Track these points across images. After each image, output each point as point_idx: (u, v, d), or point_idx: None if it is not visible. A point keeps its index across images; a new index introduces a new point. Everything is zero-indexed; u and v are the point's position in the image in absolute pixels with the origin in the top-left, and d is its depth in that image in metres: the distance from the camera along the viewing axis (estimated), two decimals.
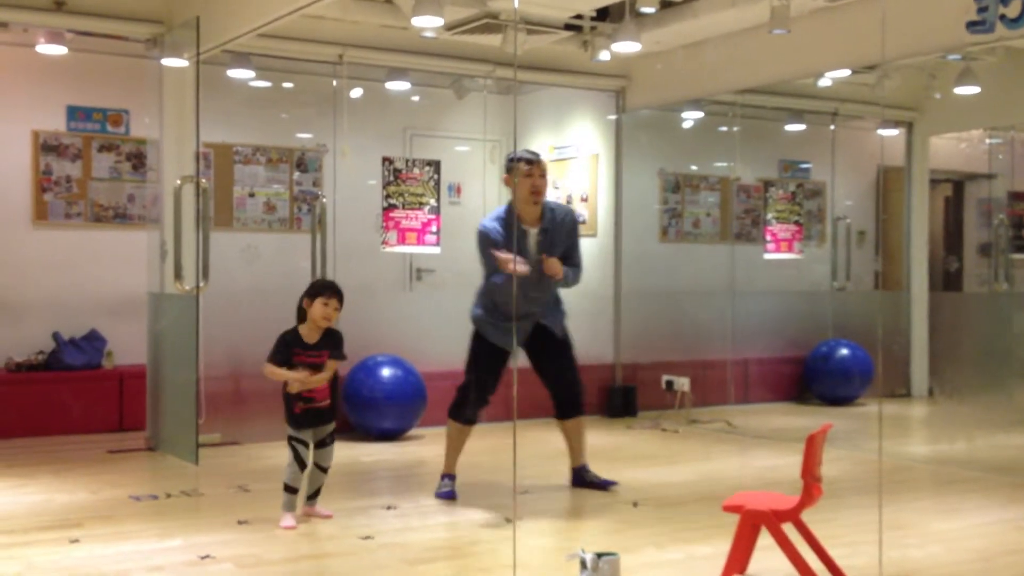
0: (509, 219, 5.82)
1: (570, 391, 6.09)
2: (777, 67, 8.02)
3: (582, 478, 6.12)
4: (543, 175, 5.84)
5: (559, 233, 5.87)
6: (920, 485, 6.38)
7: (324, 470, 5.30)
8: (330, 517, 5.29)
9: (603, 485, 6.06)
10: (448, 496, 5.80)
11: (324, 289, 5.22)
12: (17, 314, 8.04)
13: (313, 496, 5.32)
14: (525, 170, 5.77)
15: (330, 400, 5.30)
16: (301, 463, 5.16)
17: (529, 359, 6.06)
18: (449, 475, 5.95)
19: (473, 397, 5.91)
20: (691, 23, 7.76)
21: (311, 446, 5.24)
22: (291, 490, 5.16)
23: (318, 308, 5.16)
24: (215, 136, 8.39)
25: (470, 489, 6.03)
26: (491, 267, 5.78)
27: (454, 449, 5.98)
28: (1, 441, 7.19)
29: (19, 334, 8.01)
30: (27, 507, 5.53)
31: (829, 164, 10.23)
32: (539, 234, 5.84)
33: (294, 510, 5.15)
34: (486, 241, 5.78)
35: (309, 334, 5.19)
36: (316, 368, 5.17)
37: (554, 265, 5.73)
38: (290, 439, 5.18)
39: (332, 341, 5.25)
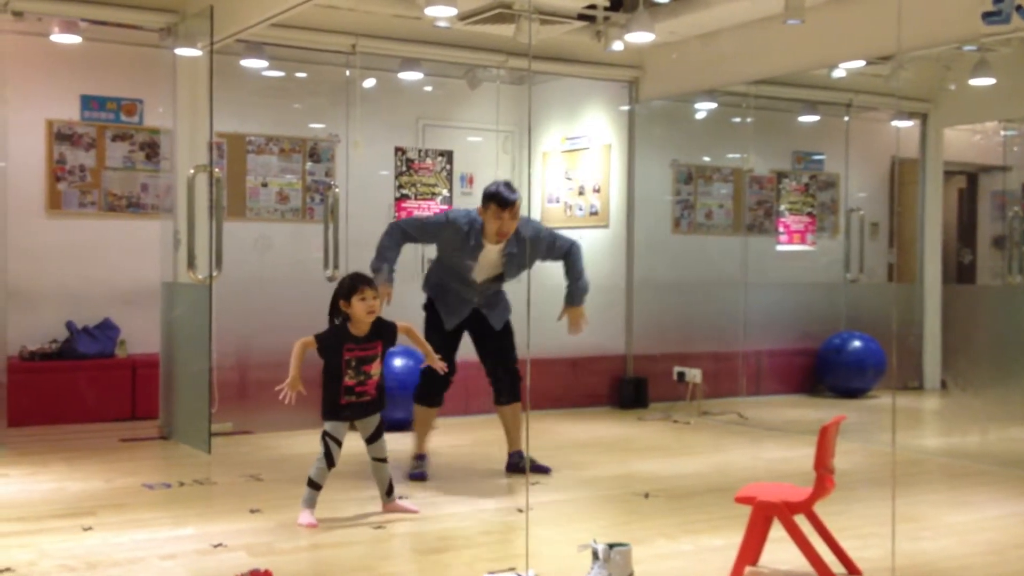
0: (475, 231, 5.94)
1: (507, 379, 6.23)
2: (791, 58, 7.99)
3: (516, 464, 6.28)
4: (514, 217, 5.90)
5: (536, 249, 6.05)
6: (933, 478, 6.36)
7: (383, 461, 5.17)
8: (417, 512, 5.17)
9: (537, 470, 6.23)
10: (420, 477, 5.97)
11: (356, 284, 4.98)
12: (31, 303, 8.06)
13: (390, 492, 5.20)
14: (495, 211, 5.86)
15: (377, 392, 5.11)
16: (331, 462, 5.01)
17: (472, 343, 6.29)
18: (420, 456, 6.12)
19: (435, 379, 5.98)
20: (705, 13, 7.74)
21: (363, 441, 5.14)
22: (315, 486, 5.00)
23: (358, 306, 4.95)
24: (228, 126, 8.40)
25: (482, 479, 6.04)
26: (444, 250, 6.02)
27: (422, 431, 6.17)
28: (15, 429, 7.21)
29: (33, 323, 8.03)
30: (40, 495, 5.56)
31: (843, 156, 10.19)
32: (504, 255, 6.01)
33: (313, 507, 5.00)
34: (449, 229, 5.95)
35: (358, 328, 5.01)
36: (367, 361, 5.02)
37: (580, 321, 6.21)
38: (324, 435, 5.01)
39: (385, 332, 5.09)
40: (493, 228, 5.87)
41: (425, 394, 6.14)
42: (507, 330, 6.28)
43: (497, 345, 6.25)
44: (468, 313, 6.15)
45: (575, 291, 6.20)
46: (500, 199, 5.81)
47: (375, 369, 5.07)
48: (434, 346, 5.79)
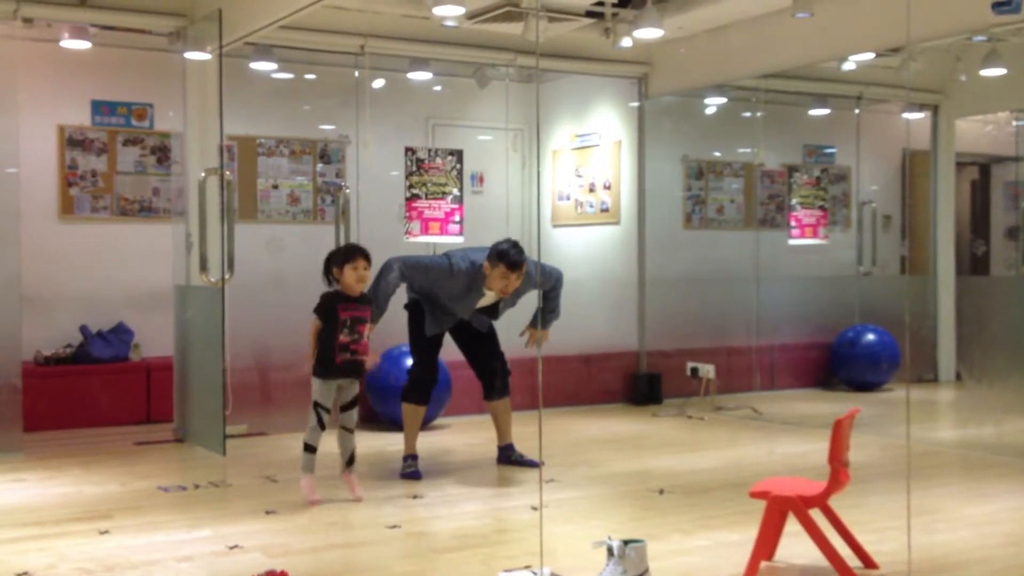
0: (477, 285, 6.03)
1: (495, 375, 6.39)
2: (801, 51, 7.97)
3: (507, 456, 6.41)
4: (520, 278, 6.01)
5: (527, 284, 6.15)
6: (948, 470, 6.34)
7: (351, 431, 5.53)
8: (360, 500, 5.43)
9: (527, 464, 6.32)
10: (415, 476, 6.01)
11: (351, 255, 5.40)
12: (45, 308, 8.09)
13: (350, 463, 5.53)
14: (503, 271, 5.94)
15: (364, 358, 5.48)
16: (323, 425, 5.40)
17: (456, 345, 6.43)
18: (411, 455, 6.16)
19: (421, 378, 6.16)
20: (713, 8, 7.73)
21: (334, 410, 5.52)
22: (311, 449, 5.41)
23: (350, 275, 5.37)
24: (238, 128, 8.41)
25: (496, 477, 6.04)
26: (441, 291, 6.05)
27: (412, 430, 6.21)
28: (30, 434, 7.24)
29: (47, 327, 8.06)
30: (57, 499, 5.58)
31: (854, 148, 10.16)
32: (500, 300, 6.18)
33: (312, 470, 5.41)
34: (451, 281, 6.00)
35: (349, 291, 5.42)
36: (361, 321, 5.40)
37: (543, 340, 6.33)
38: (315, 405, 5.39)
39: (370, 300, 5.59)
40: (499, 286, 6.00)
41: (412, 393, 6.21)
42: (491, 329, 6.40)
43: (484, 343, 6.38)
44: (451, 324, 6.29)
45: (547, 318, 6.39)
46: (510, 262, 5.92)
47: (367, 330, 5.45)
48: (416, 346, 6.20)
